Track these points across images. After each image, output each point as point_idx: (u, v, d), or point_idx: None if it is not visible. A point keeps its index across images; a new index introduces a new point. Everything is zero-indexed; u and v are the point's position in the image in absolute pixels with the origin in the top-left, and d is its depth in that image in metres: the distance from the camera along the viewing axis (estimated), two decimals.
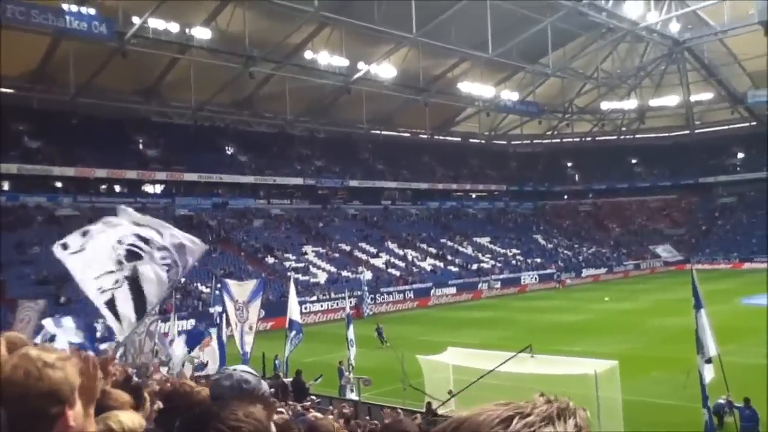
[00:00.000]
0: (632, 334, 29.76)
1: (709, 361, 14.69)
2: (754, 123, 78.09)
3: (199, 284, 40.17)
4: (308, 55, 48.20)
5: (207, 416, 1.44)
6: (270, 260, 47.83)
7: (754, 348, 24.44)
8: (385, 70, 52.19)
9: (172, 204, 51.20)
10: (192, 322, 32.02)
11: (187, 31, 42.08)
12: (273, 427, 1.49)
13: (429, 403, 15.56)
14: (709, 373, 14.65)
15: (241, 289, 19.41)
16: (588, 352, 21.97)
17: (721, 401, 14.83)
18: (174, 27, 41.09)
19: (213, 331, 19.64)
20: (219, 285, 23.27)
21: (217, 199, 54.38)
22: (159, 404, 4.48)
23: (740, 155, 78.77)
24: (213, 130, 57.52)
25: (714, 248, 69.77)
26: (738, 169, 77.79)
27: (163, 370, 16.54)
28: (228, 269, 43.17)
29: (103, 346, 15.40)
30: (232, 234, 50.71)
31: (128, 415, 2.66)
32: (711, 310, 17.95)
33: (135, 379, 8.15)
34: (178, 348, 17.48)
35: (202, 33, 42.92)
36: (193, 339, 18.74)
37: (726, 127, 78.90)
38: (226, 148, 58.35)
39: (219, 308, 21.22)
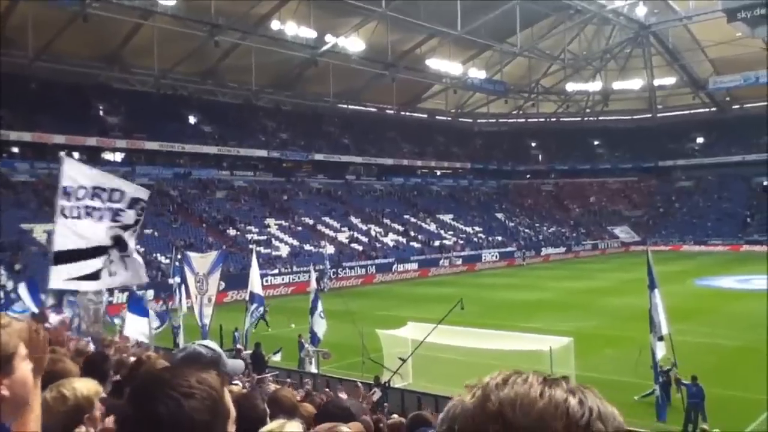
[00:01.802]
0: (588, 313, 30.38)
1: (661, 338, 15.16)
2: (714, 109, 79.77)
3: (158, 255, 39.68)
4: (275, 25, 47.44)
5: (158, 383, 1.39)
6: (232, 232, 47.44)
7: (705, 328, 25.23)
8: (354, 43, 51.73)
9: (132, 173, 50.11)
10: (151, 293, 31.57)
11: None
12: (227, 395, 1.47)
13: (377, 376, 15.71)
14: (660, 350, 15.13)
15: (202, 261, 19.22)
16: (545, 329, 22.39)
17: (666, 368, 15.27)
18: None
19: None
20: (179, 256, 23.03)
21: (179, 169, 53.57)
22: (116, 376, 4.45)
23: (699, 140, 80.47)
24: (176, 99, 56.46)
25: (670, 230, 71.43)
26: (697, 153, 79.51)
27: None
28: (189, 240, 42.69)
29: (55, 317, 15.09)
30: (193, 205, 50.11)
31: (83, 382, 2.63)
32: (666, 291, 18.47)
33: (91, 347, 8.06)
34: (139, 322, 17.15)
35: None
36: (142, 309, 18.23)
37: (687, 112, 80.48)
38: (190, 117, 57.37)
39: (178, 279, 21.00)
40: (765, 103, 74.55)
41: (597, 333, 24.87)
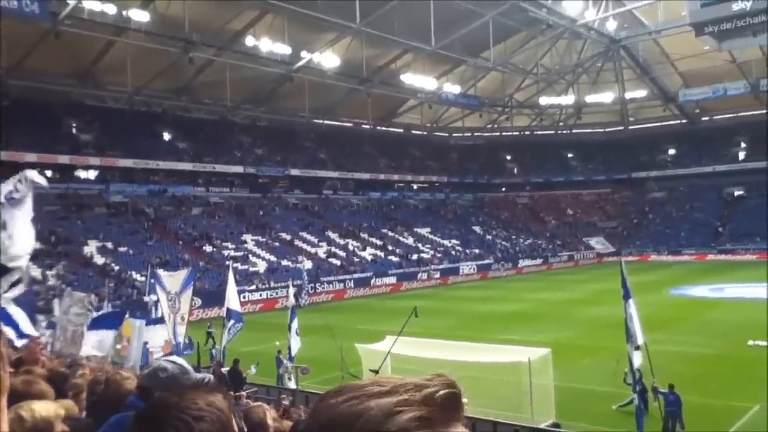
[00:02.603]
0: (565, 324, 30.58)
1: (638, 348, 15.29)
2: (684, 121, 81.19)
3: (133, 272, 39.24)
4: (250, 41, 47.42)
5: (166, 407, 1.36)
6: (208, 249, 47.10)
7: (680, 336, 25.53)
8: (328, 59, 51.87)
9: (106, 190, 49.77)
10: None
11: (124, 13, 40.77)
12: (234, 417, 1.45)
13: None
14: (637, 360, 15.25)
15: (173, 280, 19.03)
16: (522, 341, 22.50)
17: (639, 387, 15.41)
18: (110, 8, 39.76)
19: (136, 322, 18.97)
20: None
21: (153, 186, 53.13)
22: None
23: (671, 151, 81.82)
24: (150, 116, 56.08)
25: (645, 241, 72.33)
26: (668, 164, 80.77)
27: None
28: (164, 258, 42.29)
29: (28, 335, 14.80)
30: (169, 222, 49.69)
31: (43, 404, 2.61)
32: (641, 301, 18.68)
33: (64, 369, 7.93)
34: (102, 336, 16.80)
35: (139, 15, 41.63)
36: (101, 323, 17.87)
37: (658, 124, 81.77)
38: (164, 134, 56.99)
39: (154, 297, 20.80)
40: (733, 115, 76.34)
41: (574, 343, 25.03)
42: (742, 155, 76.13)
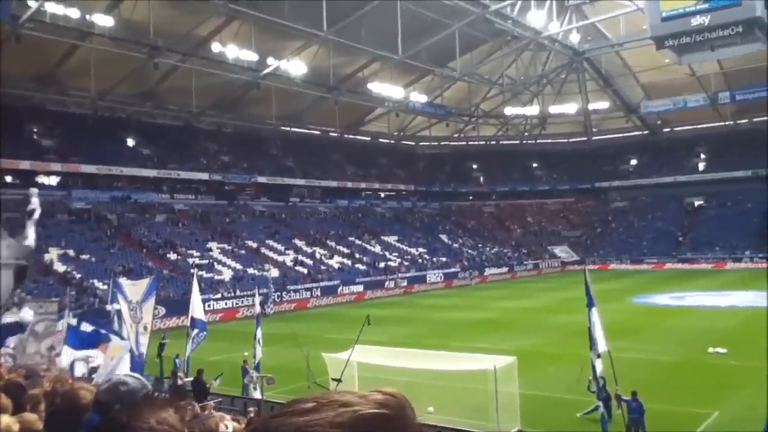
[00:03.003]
0: (531, 331, 30.87)
1: (599, 356, 15.51)
2: (646, 132, 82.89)
3: (95, 281, 38.51)
4: (216, 47, 47.04)
5: (116, 426, 1.32)
6: (172, 257, 46.46)
7: (642, 344, 25.95)
8: (296, 66, 51.73)
9: (68, 197, 48.81)
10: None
11: (87, 17, 40.12)
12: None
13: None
14: (600, 367, 15.47)
15: (134, 289, 18.78)
16: (489, 349, 22.64)
17: (599, 374, 15.59)
18: (74, 13, 39.09)
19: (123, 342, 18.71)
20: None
21: (117, 192, 52.25)
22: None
23: (633, 162, 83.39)
24: (114, 121, 55.20)
25: (608, 249, 73.48)
26: (631, 175, 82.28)
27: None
28: (127, 266, 41.62)
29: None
30: (132, 229, 48.92)
31: None
32: (605, 309, 18.96)
33: (21, 381, 7.73)
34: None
35: (103, 20, 41.00)
36: (85, 339, 17.66)
37: (621, 135, 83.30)
38: (128, 140, 56.14)
39: (117, 306, 20.44)
40: (693, 127, 78.22)
41: (539, 351, 25.27)
42: (701, 166, 77.99)
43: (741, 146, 73.15)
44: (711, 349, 24.20)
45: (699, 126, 77.46)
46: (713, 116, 73.94)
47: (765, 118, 73.44)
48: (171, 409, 1.43)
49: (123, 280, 20.51)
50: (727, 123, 75.33)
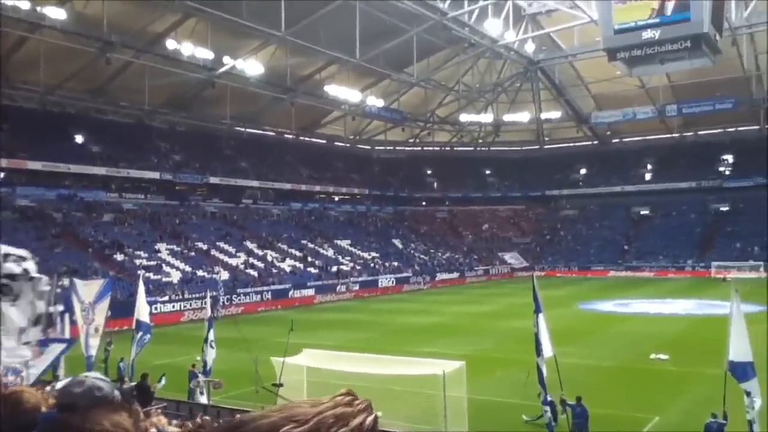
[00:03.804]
0: (480, 336, 31.20)
1: (546, 361, 15.76)
2: (596, 142, 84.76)
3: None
4: (171, 44, 46.28)
5: (68, 428, 1.30)
6: (119, 257, 45.44)
7: (587, 349, 26.48)
8: (252, 66, 51.24)
9: (12, 193, 47.28)
10: None
11: (38, 9, 39.01)
12: None
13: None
14: (546, 372, 15.71)
15: (87, 289, 18.39)
16: (439, 353, 22.77)
17: (549, 399, 15.86)
18: (24, 4, 37.97)
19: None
20: (60, 283, 21.81)
21: (63, 190, 50.86)
22: None
23: (583, 171, 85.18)
24: (63, 117, 53.65)
25: (557, 257, 74.82)
26: (580, 183, 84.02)
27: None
28: (72, 266, 40.49)
29: None
30: (78, 228, 47.67)
31: None
32: (552, 315, 19.28)
33: None
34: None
35: (55, 13, 39.92)
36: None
37: (571, 145, 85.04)
38: (77, 136, 54.69)
39: (60, 307, 19.86)
40: (642, 138, 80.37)
41: (488, 356, 25.55)
42: (648, 177, 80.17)
43: (686, 158, 75.61)
44: (653, 355, 24.85)
45: (647, 137, 79.70)
46: (660, 128, 76.16)
47: (709, 131, 76.14)
48: (125, 413, 1.41)
49: (77, 280, 20.03)
50: (673, 135, 77.64)
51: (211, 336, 18.96)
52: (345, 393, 1.06)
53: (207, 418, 14.37)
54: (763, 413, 13.32)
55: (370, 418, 0.94)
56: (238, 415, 0.99)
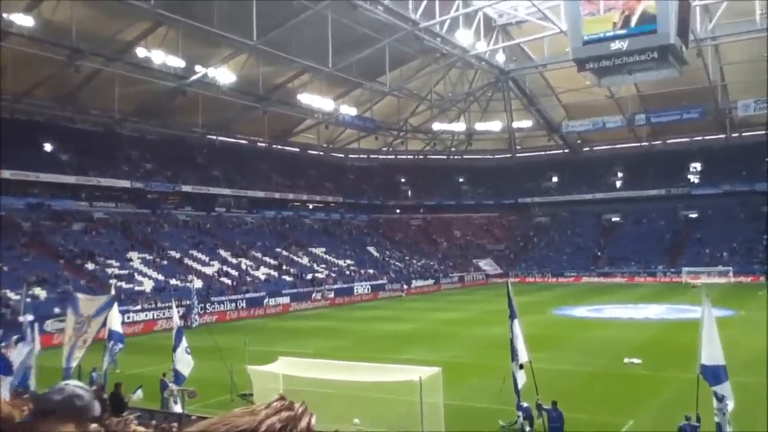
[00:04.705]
0: (455, 343, 31.29)
1: (522, 366, 15.90)
2: (567, 150, 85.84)
3: (7, 291, 36.61)
4: (141, 52, 45.86)
5: None
6: (90, 266, 44.75)
7: (561, 355, 26.72)
8: (224, 74, 50.99)
9: None
10: None
11: (6, 16, 38.41)
12: None
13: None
14: (521, 378, 15.85)
15: (90, 304, 18.80)
16: (416, 360, 22.83)
17: (525, 404, 16.00)
18: None
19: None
20: (30, 292, 21.62)
21: (32, 199, 49.98)
22: None
23: (554, 179, 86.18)
24: (31, 125, 52.75)
25: (530, 263, 75.45)
26: (552, 191, 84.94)
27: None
28: (42, 275, 39.82)
29: None
30: (48, 238, 46.87)
31: None
32: (526, 320, 19.46)
33: None
34: None
35: (23, 20, 39.31)
36: None
37: (543, 153, 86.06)
38: (46, 145, 53.88)
39: (30, 317, 19.63)
40: (611, 146, 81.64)
41: (464, 362, 25.65)
42: (618, 184, 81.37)
43: (655, 166, 76.92)
44: (626, 360, 25.14)
45: (616, 146, 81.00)
46: (630, 137, 77.45)
47: (677, 140, 77.60)
48: (71, 425, 1.37)
49: (80, 295, 20.56)
50: (642, 144, 78.98)
51: (185, 343, 18.79)
52: (280, 398, 1.08)
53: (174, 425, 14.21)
54: (750, 413, 13.57)
55: (313, 419, 0.97)
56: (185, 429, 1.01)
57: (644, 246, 70.86)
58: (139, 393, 17.93)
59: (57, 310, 32.89)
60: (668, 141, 78.91)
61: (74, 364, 17.45)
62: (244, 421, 0.94)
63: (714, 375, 13.16)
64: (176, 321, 20.62)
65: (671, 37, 33.59)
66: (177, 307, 25.68)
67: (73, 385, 2.65)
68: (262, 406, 1.05)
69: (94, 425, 1.40)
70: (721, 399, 12.95)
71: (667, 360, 24.83)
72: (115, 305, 20.36)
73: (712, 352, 13.23)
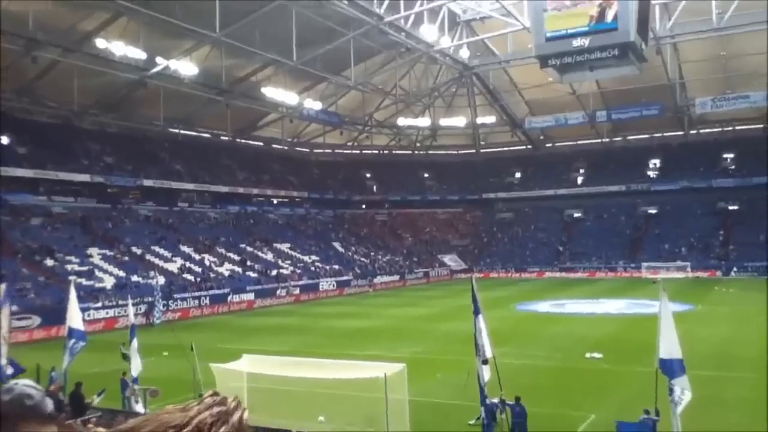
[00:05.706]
0: (420, 339, 31.42)
1: (485, 362, 16.01)
2: (530, 146, 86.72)
3: None
4: (101, 43, 44.86)
5: None
6: (49, 263, 43.77)
7: (525, 350, 27.03)
8: (186, 67, 50.20)
9: None
10: None
11: None
12: None
13: None
14: (486, 373, 15.96)
15: None
16: (381, 356, 22.85)
17: (495, 401, 16.14)
18: None
19: None
20: None
21: None
22: None
23: (517, 175, 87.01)
24: None
25: (494, 258, 76.15)
26: (515, 187, 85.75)
27: None
28: None
29: None
30: (5, 232, 45.63)
31: None
32: (490, 316, 19.62)
33: None
34: None
35: None
36: None
37: (506, 149, 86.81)
38: (1, 137, 52.40)
39: None
40: (573, 143, 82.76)
41: (429, 358, 25.78)
42: (580, 180, 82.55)
43: (616, 162, 78.22)
44: (588, 354, 25.56)
45: (578, 142, 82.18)
46: (591, 133, 78.60)
47: (637, 136, 79.05)
48: (54, 426, 1.35)
49: None
50: (603, 140, 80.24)
51: (134, 343, 18.44)
52: (212, 394, 1.07)
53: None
54: (707, 405, 13.88)
55: (246, 414, 0.98)
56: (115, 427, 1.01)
57: (605, 241, 72.09)
58: (103, 396, 17.63)
59: (15, 308, 32.11)
60: (628, 137, 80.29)
61: (3, 361, 16.89)
62: (175, 417, 0.94)
63: (671, 368, 13.40)
64: (131, 318, 20.30)
65: (631, 35, 34.10)
66: (139, 304, 25.29)
67: (23, 384, 2.56)
68: (194, 403, 1.04)
69: (52, 427, 1.35)
70: (671, 392, 13.16)
71: (627, 354, 25.31)
72: (75, 302, 19.83)
73: (669, 347, 13.47)
